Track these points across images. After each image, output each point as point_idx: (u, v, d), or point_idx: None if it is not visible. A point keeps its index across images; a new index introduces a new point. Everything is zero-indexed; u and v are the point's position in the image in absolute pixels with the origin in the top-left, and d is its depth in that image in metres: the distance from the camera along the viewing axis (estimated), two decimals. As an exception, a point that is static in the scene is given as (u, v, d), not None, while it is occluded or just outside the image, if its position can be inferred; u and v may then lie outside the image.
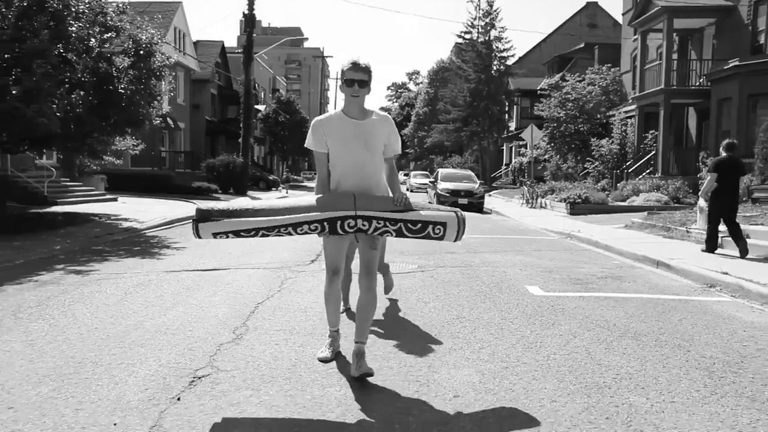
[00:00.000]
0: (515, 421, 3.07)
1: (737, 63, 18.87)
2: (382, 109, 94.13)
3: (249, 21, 31.96)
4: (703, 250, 9.16)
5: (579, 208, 18.48)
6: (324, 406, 3.21)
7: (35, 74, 9.52)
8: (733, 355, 4.26)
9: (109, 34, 11.84)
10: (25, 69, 9.76)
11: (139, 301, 5.66)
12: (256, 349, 4.17)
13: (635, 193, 20.15)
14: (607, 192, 22.18)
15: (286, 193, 32.44)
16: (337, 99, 74.03)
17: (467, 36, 42.09)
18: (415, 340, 4.46)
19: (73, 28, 10.85)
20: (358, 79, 3.54)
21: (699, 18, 22.11)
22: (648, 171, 22.94)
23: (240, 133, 32.03)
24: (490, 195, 30.23)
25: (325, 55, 74.36)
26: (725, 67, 19.44)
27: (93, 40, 11.43)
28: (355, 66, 3.55)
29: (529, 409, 3.20)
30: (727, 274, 7.14)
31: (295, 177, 53.81)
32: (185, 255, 8.88)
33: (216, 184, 27.33)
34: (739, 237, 8.76)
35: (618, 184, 22.57)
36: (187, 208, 17.81)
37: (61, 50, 10.43)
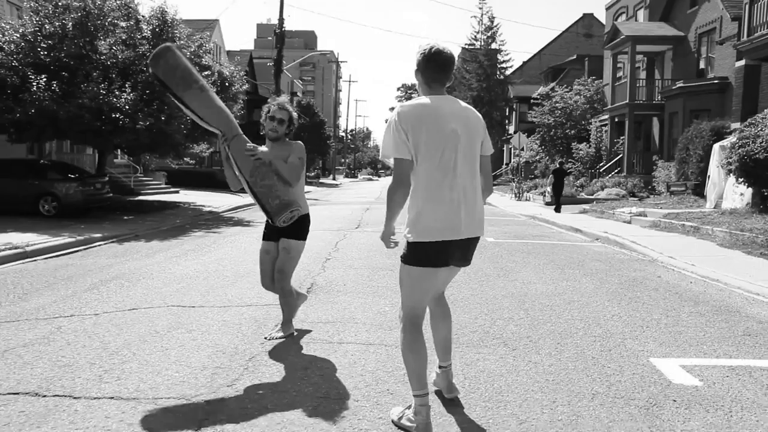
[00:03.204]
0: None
1: (682, 84, 23.49)
2: (391, 110, 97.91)
3: (280, 38, 36.78)
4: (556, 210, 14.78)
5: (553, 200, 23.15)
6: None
7: (171, 106, 14.36)
8: (590, 261, 9.02)
9: (206, 72, 16.66)
10: (160, 101, 14.60)
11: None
12: (347, 254, 8.97)
13: (602, 189, 24.81)
14: (582, 187, 26.83)
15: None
16: (350, 101, 78.77)
17: (470, 48, 46.73)
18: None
19: (186, 70, 15.69)
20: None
21: (658, 45, 26.72)
22: (617, 170, 27.58)
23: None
24: (487, 191, 34.90)
25: (339, 60, 79.26)
26: (673, 87, 24.07)
27: (196, 77, 16.28)
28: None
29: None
30: (606, 233, 11.91)
31: (308, 175, 58.44)
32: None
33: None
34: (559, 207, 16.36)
35: (592, 181, 27.22)
36: (237, 199, 22.59)
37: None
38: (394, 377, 3.70)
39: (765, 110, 12.82)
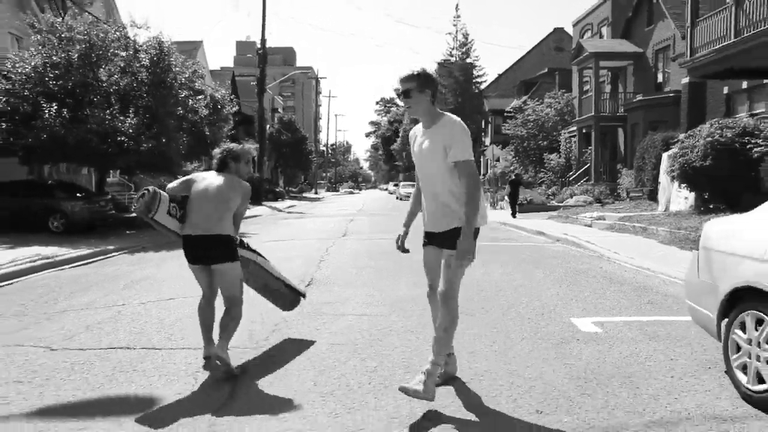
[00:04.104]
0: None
1: (642, 98, 25.34)
2: (371, 123, 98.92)
3: (262, 58, 38.27)
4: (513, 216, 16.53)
5: (525, 207, 24.73)
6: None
7: (170, 127, 15.68)
8: (547, 258, 10.50)
9: (199, 96, 18.01)
10: (160, 124, 15.90)
11: (276, 241, 11.87)
12: (337, 258, 10.34)
13: (571, 196, 26.50)
14: (553, 195, 28.52)
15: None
16: (330, 115, 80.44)
17: (446, 64, 48.60)
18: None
19: (182, 96, 17.04)
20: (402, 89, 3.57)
21: (619, 60, 28.63)
22: (585, 179, 29.33)
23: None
24: (465, 200, 36.54)
25: (318, 76, 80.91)
26: (634, 100, 25.92)
27: (191, 101, 17.62)
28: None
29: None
30: (566, 234, 13.45)
31: (292, 190, 59.57)
32: (264, 234, 15.09)
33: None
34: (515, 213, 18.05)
35: (562, 189, 28.93)
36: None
37: (180, 111, 16.62)
38: (381, 333, 5.10)
39: (700, 125, 14.50)
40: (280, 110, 71.49)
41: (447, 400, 3.56)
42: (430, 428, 3.20)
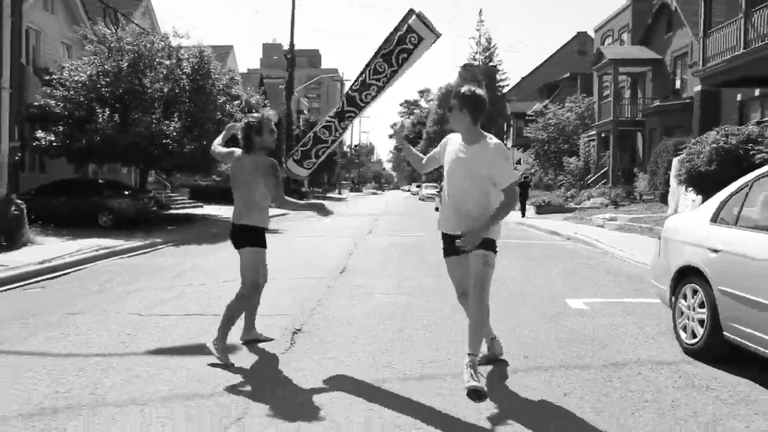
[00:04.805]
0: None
1: (659, 103, 26.06)
2: (393, 125, 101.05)
3: (291, 62, 39.67)
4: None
5: (543, 209, 25.66)
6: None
7: (210, 131, 16.95)
8: (556, 254, 11.50)
9: (236, 102, 19.28)
10: (201, 127, 17.19)
11: (309, 237, 13.03)
12: (364, 252, 11.46)
13: (588, 198, 27.30)
14: (572, 198, 29.32)
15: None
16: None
17: (468, 68, 49.51)
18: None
19: (221, 101, 18.32)
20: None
21: (638, 67, 29.33)
22: (603, 182, 30.06)
23: (275, 153, 39.56)
24: (486, 202, 37.52)
25: (343, 79, 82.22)
26: (651, 106, 26.64)
27: (228, 105, 18.90)
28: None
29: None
30: (577, 233, 14.40)
31: (316, 190, 60.75)
32: (296, 231, 16.29)
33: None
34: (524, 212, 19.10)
35: (580, 192, 29.72)
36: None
37: (219, 115, 17.90)
38: (406, 308, 6.20)
39: (707, 132, 15.32)
40: (305, 111, 72.96)
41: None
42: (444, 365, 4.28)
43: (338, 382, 3.96)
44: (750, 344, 3.82)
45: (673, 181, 17.38)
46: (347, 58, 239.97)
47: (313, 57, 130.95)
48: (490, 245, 3.83)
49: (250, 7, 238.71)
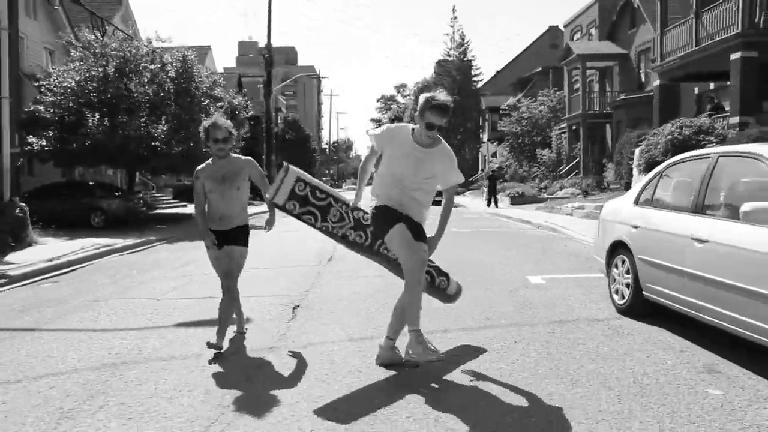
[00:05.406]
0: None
1: (624, 96, 27.32)
2: (372, 120, 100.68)
3: (269, 62, 40.22)
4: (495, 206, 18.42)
5: (517, 200, 26.78)
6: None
7: (195, 132, 17.69)
8: (525, 240, 12.53)
9: (219, 103, 20.03)
10: (186, 130, 17.92)
11: (296, 230, 13.92)
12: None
13: (560, 189, 28.48)
14: (545, 188, 30.50)
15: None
16: (332, 114, 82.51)
17: (444, 64, 50.53)
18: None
19: (204, 103, 19.07)
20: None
21: (605, 61, 30.58)
22: (575, 172, 31.30)
23: (256, 150, 40.10)
24: (464, 195, 38.62)
25: (320, 75, 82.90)
26: (618, 99, 27.89)
27: (211, 108, 19.63)
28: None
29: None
30: (546, 222, 15.47)
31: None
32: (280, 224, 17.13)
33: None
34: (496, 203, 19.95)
35: (553, 183, 30.92)
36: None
37: (203, 117, 18.63)
38: (388, 287, 7.15)
39: (664, 124, 16.50)
40: (283, 109, 73.54)
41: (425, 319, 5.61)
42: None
43: (335, 339, 4.90)
44: (660, 299, 4.82)
45: (635, 171, 18.56)
46: (324, 52, 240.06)
47: (290, 54, 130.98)
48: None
49: (225, 5, 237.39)
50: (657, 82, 20.19)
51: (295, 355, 4.51)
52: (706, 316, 4.23)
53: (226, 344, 4.69)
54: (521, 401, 3.47)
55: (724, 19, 15.91)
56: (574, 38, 36.98)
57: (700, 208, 4.39)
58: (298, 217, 4.53)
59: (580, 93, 30.81)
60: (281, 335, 5.09)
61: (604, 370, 3.94)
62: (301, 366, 4.22)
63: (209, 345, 4.48)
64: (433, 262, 4.70)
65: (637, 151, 18.41)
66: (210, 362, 4.34)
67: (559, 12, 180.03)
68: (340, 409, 3.42)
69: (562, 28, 42.66)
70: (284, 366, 4.24)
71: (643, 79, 28.38)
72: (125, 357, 4.46)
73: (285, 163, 4.63)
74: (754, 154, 4.03)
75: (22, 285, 8.40)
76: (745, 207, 3.65)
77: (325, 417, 3.31)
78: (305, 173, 4.65)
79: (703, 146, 14.96)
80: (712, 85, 20.79)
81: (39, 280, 8.85)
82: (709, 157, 4.58)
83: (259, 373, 4.11)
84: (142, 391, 3.72)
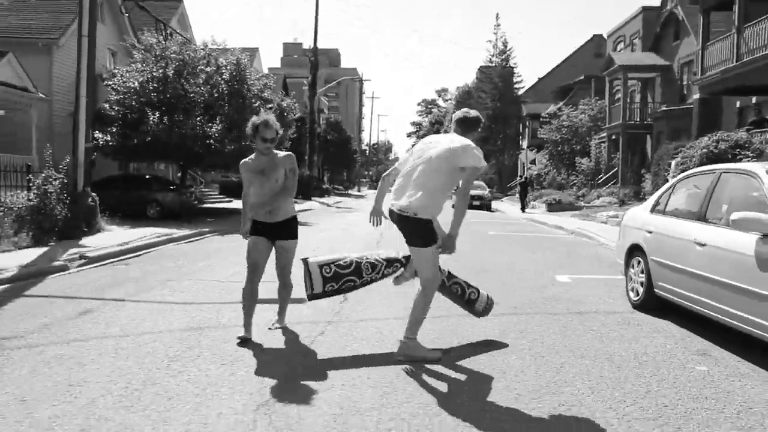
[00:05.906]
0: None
1: (665, 108, 27.46)
2: (412, 124, 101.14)
3: (314, 66, 41.55)
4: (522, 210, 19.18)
5: (554, 207, 27.19)
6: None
7: (246, 133, 18.76)
8: (557, 244, 13.13)
9: (269, 105, 21.08)
10: (239, 129, 18.99)
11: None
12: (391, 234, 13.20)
13: (598, 198, 28.77)
14: (583, 197, 30.78)
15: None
16: (372, 117, 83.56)
17: (485, 70, 50.98)
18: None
19: (255, 105, 20.13)
20: None
21: (647, 72, 30.72)
22: (613, 182, 31.49)
23: (299, 150, 41.29)
24: (501, 200, 39.10)
25: (363, 78, 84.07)
26: (659, 110, 28.04)
27: (262, 109, 20.68)
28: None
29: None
30: (579, 228, 15.99)
31: (336, 187, 62.83)
32: (326, 223, 18.05)
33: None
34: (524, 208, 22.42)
35: (591, 191, 31.17)
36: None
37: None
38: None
39: (701, 137, 16.81)
40: (325, 110, 74.95)
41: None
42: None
43: (382, 317, 5.69)
44: (669, 296, 5.47)
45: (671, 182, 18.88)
46: (368, 55, 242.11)
47: (333, 56, 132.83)
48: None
49: (269, 6, 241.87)
50: (696, 95, 20.43)
51: (351, 327, 5.31)
52: (704, 309, 4.87)
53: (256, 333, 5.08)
54: (537, 367, 4.19)
55: (767, 35, 16.17)
56: (617, 48, 37.08)
57: (703, 216, 5.04)
58: (342, 291, 4.97)
59: (621, 103, 31.00)
60: (335, 313, 5.90)
61: (611, 349, 4.64)
62: (357, 335, 5.03)
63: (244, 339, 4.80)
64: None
65: (673, 162, 18.72)
66: (269, 328, 5.17)
67: (604, 22, 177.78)
68: (389, 368, 4.22)
69: (605, 37, 42.64)
70: (342, 335, 5.05)
71: (685, 92, 28.43)
72: (207, 323, 5.34)
73: (301, 259, 5.01)
74: (750, 171, 4.67)
75: (99, 266, 9.44)
76: (734, 216, 4.30)
77: (380, 376, 4.10)
78: (318, 256, 5.07)
79: (738, 161, 15.27)
80: (754, 99, 20.92)
81: (112, 262, 9.89)
82: (714, 173, 5.22)
83: (322, 338, 4.94)
84: (228, 347, 4.58)
